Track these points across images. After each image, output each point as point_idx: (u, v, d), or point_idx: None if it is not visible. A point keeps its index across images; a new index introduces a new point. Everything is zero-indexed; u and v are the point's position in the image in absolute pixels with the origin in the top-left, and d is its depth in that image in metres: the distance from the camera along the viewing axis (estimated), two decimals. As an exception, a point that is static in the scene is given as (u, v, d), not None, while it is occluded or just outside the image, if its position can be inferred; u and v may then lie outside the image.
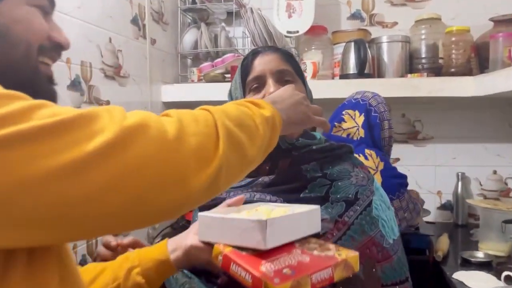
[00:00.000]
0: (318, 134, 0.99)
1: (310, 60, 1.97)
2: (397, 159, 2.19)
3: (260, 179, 0.94)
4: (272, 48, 1.01)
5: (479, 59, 1.92)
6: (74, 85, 1.38)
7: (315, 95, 1.08)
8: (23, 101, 0.44)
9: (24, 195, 0.41)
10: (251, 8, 2.11)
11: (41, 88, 0.59)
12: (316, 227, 0.78)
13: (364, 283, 0.84)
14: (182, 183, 0.49)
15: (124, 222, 0.48)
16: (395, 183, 1.39)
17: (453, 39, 1.90)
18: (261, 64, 0.95)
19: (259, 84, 0.95)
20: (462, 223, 2.06)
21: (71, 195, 0.43)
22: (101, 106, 0.49)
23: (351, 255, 0.75)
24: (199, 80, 2.16)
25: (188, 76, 2.27)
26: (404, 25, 2.13)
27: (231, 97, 1.02)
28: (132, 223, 0.50)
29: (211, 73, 2.08)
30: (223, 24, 2.26)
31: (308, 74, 1.91)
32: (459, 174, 2.08)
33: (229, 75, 2.08)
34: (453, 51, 1.90)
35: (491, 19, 1.91)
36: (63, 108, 0.47)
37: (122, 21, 1.69)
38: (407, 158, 2.19)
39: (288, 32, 2.03)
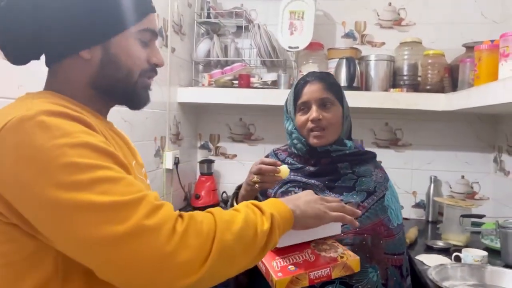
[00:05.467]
0: (349, 142, 1.29)
1: (307, 72, 2.28)
2: (380, 162, 2.48)
3: (307, 167, 1.28)
4: (318, 78, 1.27)
5: (452, 79, 2.22)
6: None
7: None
8: (97, 171, 0.64)
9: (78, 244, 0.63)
10: (258, 24, 2.42)
11: (138, 95, 0.84)
12: (336, 230, 1.01)
13: (371, 249, 1.18)
14: (168, 285, 0.64)
15: (126, 283, 0.65)
16: None
17: (430, 61, 2.20)
18: (307, 93, 1.25)
19: (306, 107, 1.26)
20: (432, 220, 2.37)
21: (105, 254, 0.62)
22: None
23: (351, 258, 0.96)
24: (210, 84, 2.46)
25: (200, 81, 2.56)
26: (391, 45, 2.44)
27: (286, 108, 1.32)
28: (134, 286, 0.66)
29: (221, 79, 2.38)
30: (232, 36, 2.56)
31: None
32: (432, 177, 2.38)
33: (236, 82, 2.38)
34: (429, 71, 2.20)
35: (464, 45, 2.22)
36: (120, 186, 0.65)
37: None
38: (388, 162, 2.47)
39: (290, 47, 2.34)
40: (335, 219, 0.95)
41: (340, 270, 0.93)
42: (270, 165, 1.12)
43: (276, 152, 1.39)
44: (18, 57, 0.81)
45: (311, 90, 1.26)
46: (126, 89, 0.83)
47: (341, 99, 1.29)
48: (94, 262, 0.64)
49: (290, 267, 0.90)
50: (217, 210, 0.76)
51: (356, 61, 2.25)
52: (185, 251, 0.64)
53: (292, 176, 1.27)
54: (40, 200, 0.62)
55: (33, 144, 0.62)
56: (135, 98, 0.85)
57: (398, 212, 1.29)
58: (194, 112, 2.64)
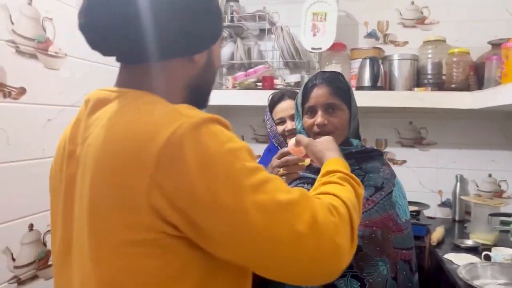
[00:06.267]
0: (355, 141, 1.31)
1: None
2: (404, 161, 2.50)
3: (314, 165, 1.27)
4: (326, 81, 1.27)
5: (477, 77, 2.20)
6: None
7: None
8: (261, 172, 0.67)
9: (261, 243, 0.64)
10: (281, 26, 2.44)
11: (209, 96, 0.86)
12: None
13: (381, 241, 1.19)
14: (337, 271, 0.70)
15: (298, 276, 0.69)
16: None
17: (454, 59, 2.19)
18: (314, 97, 1.27)
19: (312, 111, 1.27)
20: (459, 219, 2.35)
21: (284, 249, 0.65)
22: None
23: None
24: (234, 87, 2.49)
25: (224, 83, 2.60)
26: (414, 44, 2.44)
27: (296, 106, 1.35)
28: (303, 278, 0.71)
29: (245, 81, 2.41)
30: (255, 39, 2.58)
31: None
32: (458, 176, 2.37)
33: (260, 84, 2.41)
34: (454, 70, 2.19)
35: (489, 42, 2.20)
36: (280, 185, 0.68)
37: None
38: (413, 161, 2.49)
39: (313, 48, 2.35)
40: None
41: None
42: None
43: None
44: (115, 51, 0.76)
45: (318, 95, 1.26)
46: (209, 91, 0.85)
47: (349, 101, 1.29)
48: (273, 262, 0.66)
49: None
50: (333, 189, 0.81)
51: (380, 61, 2.25)
52: (345, 238, 0.70)
53: (301, 173, 1.30)
54: (223, 205, 0.62)
55: (209, 151, 0.63)
56: (208, 99, 0.86)
57: (405, 208, 1.30)
58: (219, 114, 2.65)
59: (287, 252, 0.65)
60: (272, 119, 1.82)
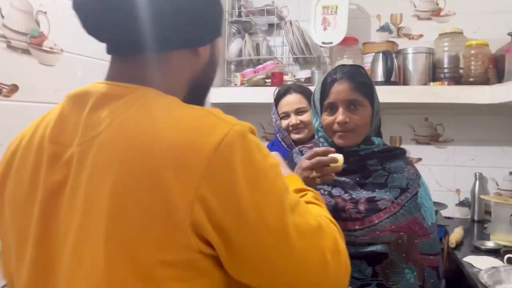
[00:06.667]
0: (377, 139, 1.24)
1: (342, 68, 2.21)
2: (419, 159, 2.40)
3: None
4: (347, 76, 1.18)
5: (497, 70, 2.10)
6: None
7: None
8: (291, 191, 0.65)
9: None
10: (290, 21, 2.38)
11: (207, 94, 0.78)
12: None
13: (407, 247, 1.12)
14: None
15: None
16: None
17: (472, 51, 2.09)
18: (334, 93, 1.18)
19: (332, 108, 1.19)
20: (478, 219, 2.25)
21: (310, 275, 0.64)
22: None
23: None
24: (242, 84, 2.43)
25: (232, 80, 2.54)
26: (429, 37, 2.34)
27: (313, 103, 1.27)
28: None
29: (253, 78, 2.35)
30: (264, 34, 2.52)
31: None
32: (477, 174, 2.27)
33: (269, 80, 2.34)
34: (472, 63, 2.09)
35: (509, 34, 2.10)
36: (305, 206, 0.67)
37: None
38: (429, 159, 2.40)
39: (323, 43, 2.28)
40: None
41: None
42: (325, 155, 1.07)
43: (302, 149, 1.33)
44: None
45: (338, 90, 1.18)
46: (209, 89, 0.78)
47: (371, 97, 1.21)
48: (295, 286, 0.64)
49: None
50: (319, 211, 0.78)
51: (393, 55, 2.16)
52: (344, 257, 0.70)
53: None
54: (266, 223, 0.58)
55: (256, 165, 0.58)
56: (206, 98, 0.79)
57: (431, 210, 1.22)
58: (227, 112, 2.55)
59: (315, 278, 0.64)
60: (277, 113, 1.78)
